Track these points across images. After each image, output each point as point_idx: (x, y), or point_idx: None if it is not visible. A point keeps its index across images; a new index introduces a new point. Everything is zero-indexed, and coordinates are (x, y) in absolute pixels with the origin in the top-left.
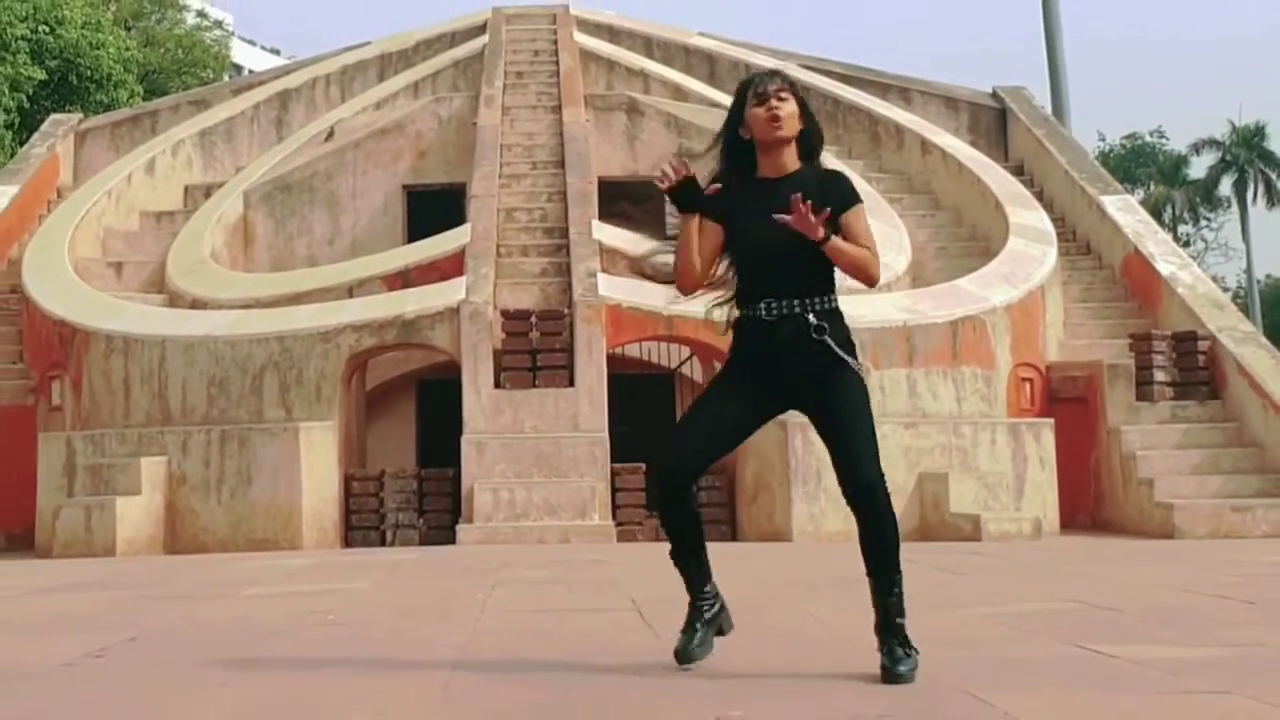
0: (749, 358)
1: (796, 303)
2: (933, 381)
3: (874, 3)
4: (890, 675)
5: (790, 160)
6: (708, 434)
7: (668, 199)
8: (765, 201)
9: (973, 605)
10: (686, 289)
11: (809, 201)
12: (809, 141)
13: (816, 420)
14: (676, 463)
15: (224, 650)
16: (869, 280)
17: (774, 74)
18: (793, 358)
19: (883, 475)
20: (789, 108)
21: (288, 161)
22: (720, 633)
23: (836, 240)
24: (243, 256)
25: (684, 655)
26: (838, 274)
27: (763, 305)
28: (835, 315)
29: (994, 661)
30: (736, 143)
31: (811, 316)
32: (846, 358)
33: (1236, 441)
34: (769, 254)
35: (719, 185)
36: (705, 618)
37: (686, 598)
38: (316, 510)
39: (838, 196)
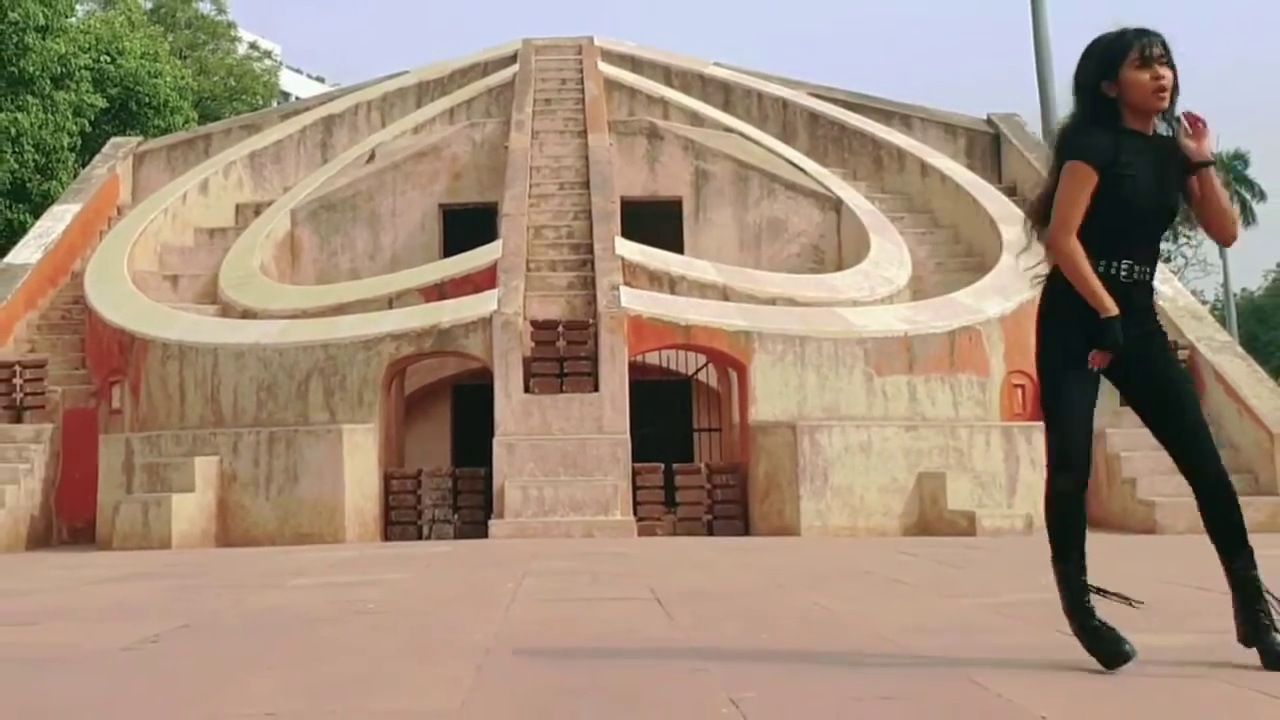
0: (1094, 321)
1: (1149, 270)
2: (932, 387)
3: (877, 36)
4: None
5: (1149, 125)
6: (1087, 422)
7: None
8: (1149, 159)
9: (969, 595)
10: (1066, 245)
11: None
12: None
13: (1137, 389)
14: (1080, 463)
15: (271, 636)
16: (1230, 236)
17: (1154, 34)
18: (1138, 324)
19: (1218, 453)
20: (1170, 74)
21: (332, 182)
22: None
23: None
24: (290, 270)
25: (1125, 656)
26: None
27: (1124, 266)
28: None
29: (989, 647)
30: (1100, 101)
31: (1156, 282)
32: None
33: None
34: (1149, 215)
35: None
36: (1098, 621)
37: (722, 588)
38: (358, 506)
39: (1184, 161)
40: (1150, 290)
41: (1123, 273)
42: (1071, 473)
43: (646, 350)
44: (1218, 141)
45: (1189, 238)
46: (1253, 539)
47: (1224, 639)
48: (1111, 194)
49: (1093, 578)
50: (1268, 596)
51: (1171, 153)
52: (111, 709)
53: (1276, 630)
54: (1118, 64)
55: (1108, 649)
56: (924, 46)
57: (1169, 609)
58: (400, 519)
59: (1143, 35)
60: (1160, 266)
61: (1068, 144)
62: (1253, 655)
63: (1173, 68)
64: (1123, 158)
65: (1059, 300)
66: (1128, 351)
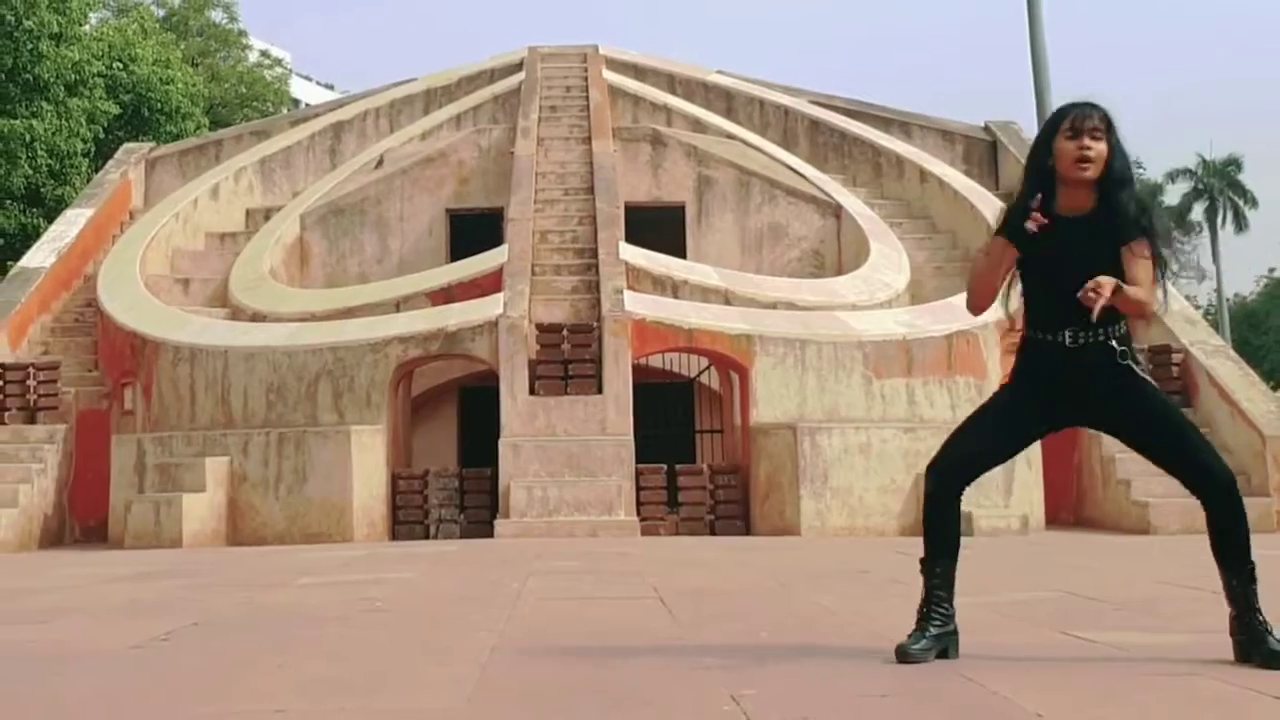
0: (1043, 379)
1: (1100, 331)
2: (930, 390)
3: (879, 44)
4: (1278, 659)
5: (1087, 198)
6: (984, 442)
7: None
8: (1079, 234)
9: (966, 594)
10: (981, 309)
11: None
12: (1109, 182)
13: (1125, 436)
14: (947, 464)
15: (280, 634)
16: (1148, 316)
17: (1094, 107)
18: (1097, 383)
19: (1231, 472)
20: (1100, 149)
21: (341, 187)
22: (944, 654)
23: (1129, 291)
24: (299, 274)
25: (906, 654)
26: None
27: (1066, 333)
28: (1128, 337)
29: (986, 645)
30: (1044, 169)
31: (1114, 343)
32: (1144, 375)
33: None
34: (1070, 289)
35: (1046, 221)
36: (934, 632)
37: (723, 587)
38: (366, 506)
39: (1121, 230)
40: (1110, 351)
41: (1066, 340)
42: (936, 474)
43: (649, 353)
44: (1212, 148)
45: (1182, 243)
46: None
47: (1218, 638)
48: (1035, 272)
49: (1093, 577)
50: (1260, 608)
51: (1105, 222)
52: (123, 705)
53: (1271, 633)
54: (1053, 135)
55: (905, 644)
56: (924, 57)
57: (1163, 609)
58: (407, 519)
59: (1079, 108)
60: None
61: (1001, 217)
62: None
63: (1110, 140)
64: (1046, 237)
65: (1017, 361)
66: (1102, 408)
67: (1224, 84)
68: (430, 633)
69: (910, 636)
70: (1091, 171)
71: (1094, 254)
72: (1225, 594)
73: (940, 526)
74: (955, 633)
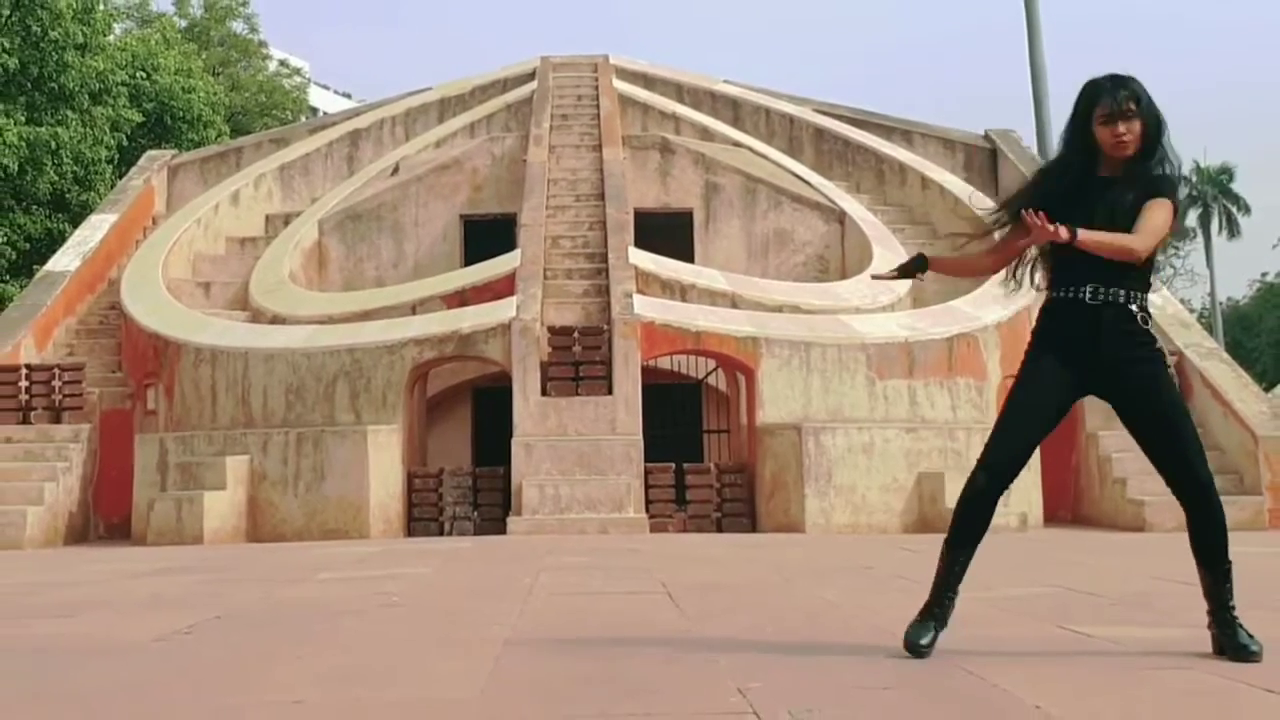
0: (1063, 338)
1: (1121, 292)
2: (931, 391)
3: (881, 55)
4: (1247, 655)
5: (1119, 164)
6: (1029, 427)
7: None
8: (1094, 197)
9: (966, 590)
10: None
11: (1047, 216)
12: (1144, 154)
13: (1128, 412)
14: (998, 465)
15: (299, 627)
16: (1131, 257)
17: (1126, 85)
18: (1113, 346)
19: (1211, 474)
20: (1136, 126)
21: (358, 194)
22: (938, 628)
23: (1084, 236)
24: (317, 278)
25: (917, 649)
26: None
27: (1087, 289)
28: (1147, 308)
29: (986, 640)
30: (1080, 145)
31: (1134, 307)
32: (1164, 353)
33: None
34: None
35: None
36: (936, 621)
37: (730, 582)
38: (382, 503)
39: (1147, 191)
40: (1129, 315)
41: (1086, 295)
42: (989, 472)
43: (658, 355)
44: (1206, 155)
45: (1177, 248)
46: (1237, 536)
47: (1209, 633)
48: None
49: (1090, 573)
50: (1234, 604)
51: (1128, 185)
52: (147, 696)
53: (1244, 629)
54: (1089, 117)
55: (913, 636)
56: (925, 67)
57: (1158, 604)
58: (422, 516)
59: (1110, 92)
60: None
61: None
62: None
63: (1144, 115)
64: (1059, 197)
65: (1037, 324)
66: (1111, 374)
67: (1219, 92)
68: (445, 626)
69: (919, 627)
70: (1130, 150)
71: (1118, 211)
72: (1203, 591)
73: (979, 518)
74: (950, 613)
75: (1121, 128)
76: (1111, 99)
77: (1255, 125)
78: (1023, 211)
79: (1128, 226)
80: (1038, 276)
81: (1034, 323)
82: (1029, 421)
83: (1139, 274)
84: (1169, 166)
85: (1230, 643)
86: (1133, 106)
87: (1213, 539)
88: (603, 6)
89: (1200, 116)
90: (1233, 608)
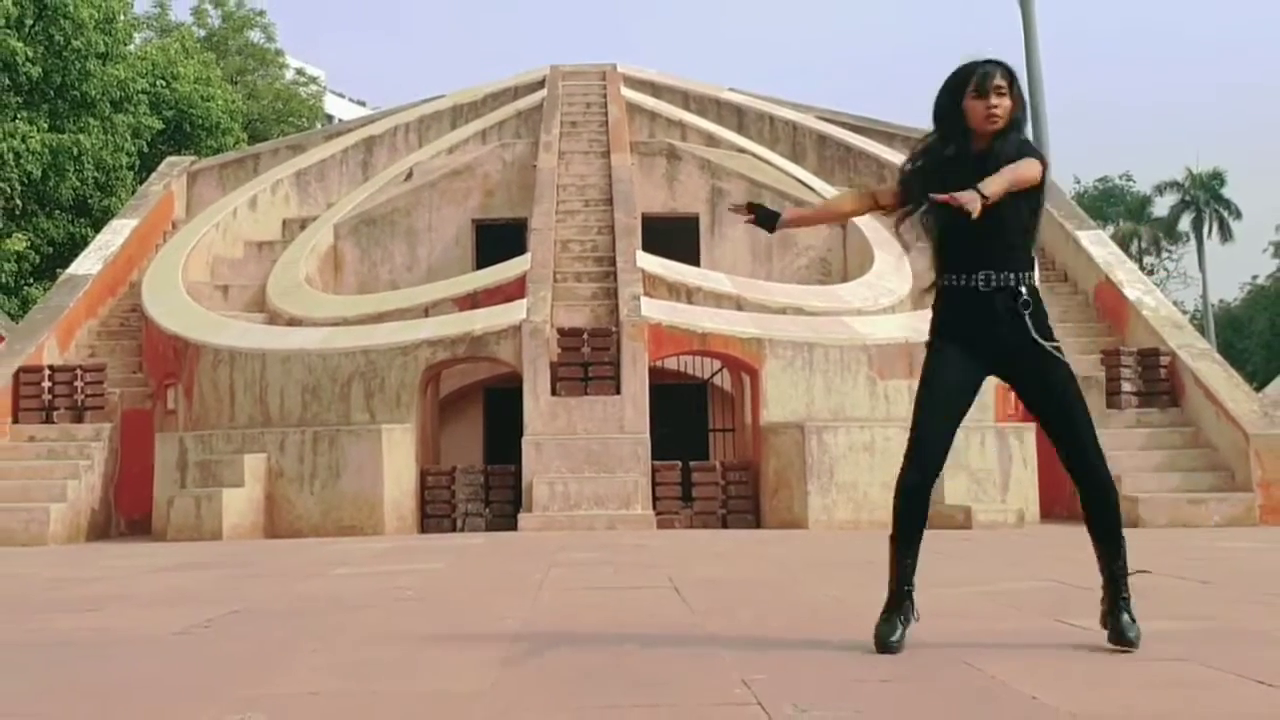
0: (961, 327)
1: (1011, 276)
2: None
3: (883, 64)
4: (1123, 639)
5: (986, 142)
6: (947, 415)
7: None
8: (968, 170)
9: (965, 584)
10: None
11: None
12: (1013, 126)
13: (1027, 395)
14: (923, 462)
15: (315, 621)
16: (1028, 182)
17: (996, 65)
18: (1008, 332)
19: (1103, 456)
20: (1006, 103)
21: (372, 199)
22: (904, 623)
23: (989, 190)
24: (333, 281)
25: (888, 645)
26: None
27: (980, 276)
28: (1036, 291)
29: (983, 632)
30: (954, 122)
31: (1023, 290)
32: (1053, 339)
33: (1193, 444)
34: (980, 227)
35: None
36: (903, 617)
37: (736, 578)
38: (396, 501)
39: (1017, 156)
40: (1023, 300)
41: (979, 283)
42: (916, 471)
43: (665, 356)
44: (1199, 162)
45: (1170, 252)
46: (1230, 531)
47: (1202, 625)
48: (946, 219)
49: (1085, 567)
50: (1128, 588)
51: (998, 158)
52: (167, 688)
53: (1129, 613)
54: (961, 93)
55: (882, 634)
56: (925, 74)
57: (1151, 597)
58: (436, 512)
59: (983, 67)
60: (1144, 279)
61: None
62: (1228, 639)
63: (1013, 93)
64: (939, 179)
65: (934, 313)
66: (1014, 360)
67: (1214, 99)
68: (458, 620)
69: (887, 626)
70: (1000, 124)
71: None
72: (1100, 571)
73: (917, 518)
74: (913, 606)
75: (994, 100)
76: (985, 76)
77: (1253, 131)
78: (930, 195)
79: (1006, 207)
80: (919, 242)
81: (931, 311)
82: (944, 413)
83: (1024, 254)
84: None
85: (1113, 624)
86: (1004, 84)
87: (1108, 520)
88: (611, 17)
89: (1201, 122)
90: (1126, 590)
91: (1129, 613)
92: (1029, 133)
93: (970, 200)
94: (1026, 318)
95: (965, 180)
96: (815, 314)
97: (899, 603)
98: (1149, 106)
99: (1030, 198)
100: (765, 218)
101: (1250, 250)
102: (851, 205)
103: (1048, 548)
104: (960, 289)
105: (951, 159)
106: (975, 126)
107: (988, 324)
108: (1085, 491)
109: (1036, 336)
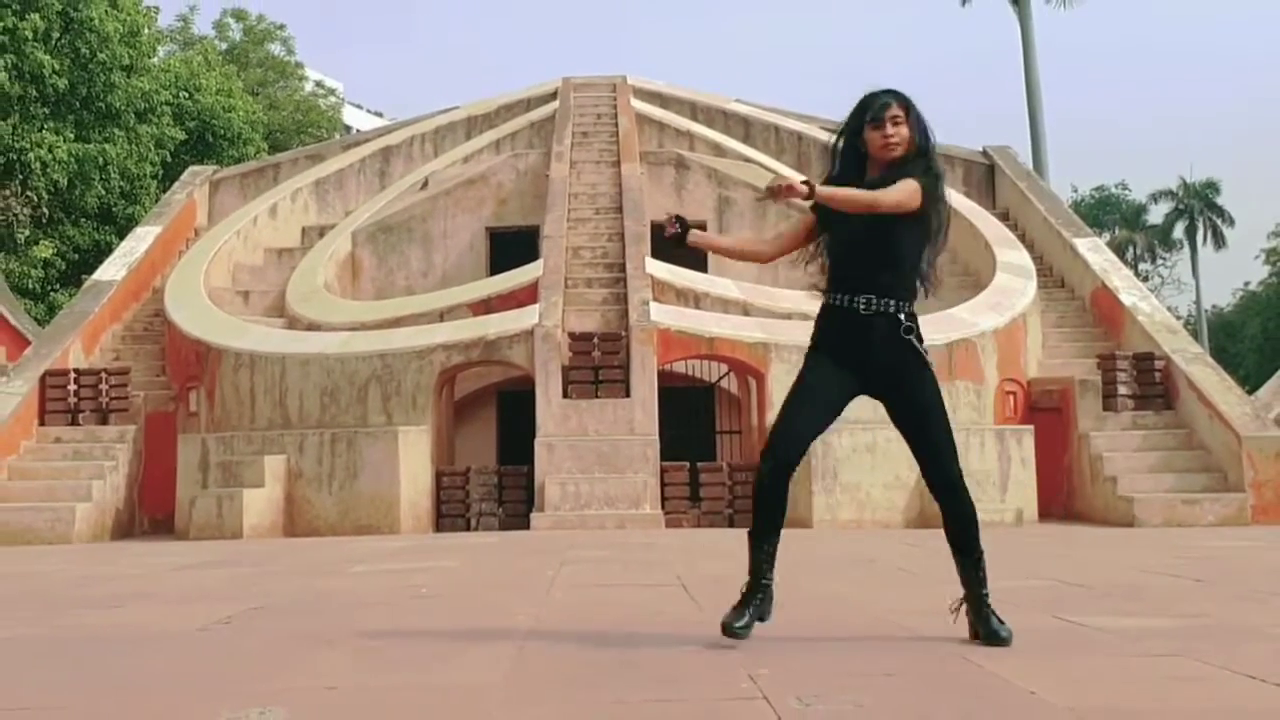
0: (838, 344)
1: (891, 303)
2: None
3: (886, 75)
4: (997, 639)
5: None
6: (809, 418)
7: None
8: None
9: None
10: (762, 261)
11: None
12: (916, 150)
13: (896, 412)
14: (782, 446)
15: (334, 617)
16: (871, 208)
17: (893, 96)
18: (882, 354)
19: (960, 470)
20: (903, 131)
21: (389, 207)
22: (760, 619)
23: (820, 191)
24: (351, 286)
25: (731, 630)
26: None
27: (861, 301)
28: (915, 316)
29: None
30: (853, 151)
31: (902, 316)
32: (927, 361)
33: (1187, 445)
34: (862, 254)
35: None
36: (758, 601)
37: (742, 576)
38: (412, 500)
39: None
40: (898, 324)
41: (860, 306)
42: (771, 461)
43: (673, 360)
44: (1193, 171)
45: (1164, 259)
46: (1224, 530)
47: (1198, 622)
48: (836, 242)
49: (1082, 566)
50: (987, 592)
51: (889, 183)
52: (189, 682)
53: (995, 616)
54: (860, 123)
55: (729, 620)
56: (927, 86)
57: (1147, 595)
58: (450, 512)
59: (880, 99)
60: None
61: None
62: (1221, 635)
63: (912, 124)
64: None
65: (816, 327)
66: (883, 377)
67: (1208, 111)
68: (472, 616)
69: (734, 612)
70: (898, 151)
71: (891, 220)
72: (959, 578)
73: (775, 506)
74: (771, 596)
75: (890, 130)
76: (882, 106)
77: (1245, 141)
78: (768, 185)
79: (888, 234)
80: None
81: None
82: (807, 418)
83: (907, 285)
84: (934, 179)
85: (984, 628)
86: (900, 113)
87: (964, 530)
88: (621, 29)
89: (1193, 134)
90: (986, 594)
91: (995, 615)
92: (1025, 145)
93: (797, 185)
94: (913, 339)
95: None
96: None
97: (754, 595)
98: (1144, 117)
99: (912, 229)
100: (683, 230)
101: (1243, 257)
102: (770, 248)
103: (1045, 546)
104: (843, 309)
105: (853, 186)
106: (874, 154)
107: (865, 344)
108: (945, 505)
109: (922, 353)
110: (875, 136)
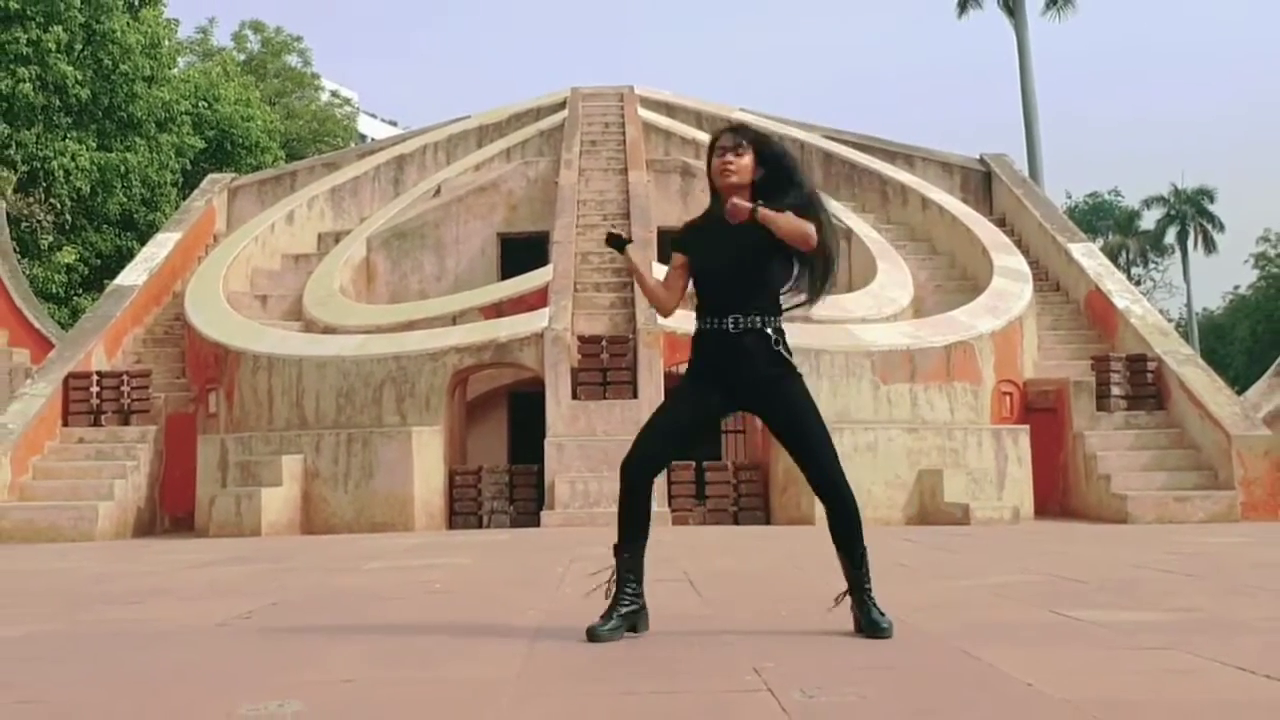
0: (711, 365)
1: (758, 319)
2: (930, 394)
3: (885, 84)
4: (877, 630)
5: (746, 200)
6: (668, 437)
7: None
8: (716, 233)
9: (963, 577)
10: (665, 314)
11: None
12: (763, 187)
13: (773, 423)
14: (639, 460)
15: (350, 613)
16: (808, 241)
17: (736, 130)
18: (754, 369)
19: (842, 472)
20: (742, 161)
21: (403, 213)
22: (633, 629)
23: (762, 212)
24: (366, 291)
25: (595, 634)
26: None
27: (729, 320)
28: (782, 331)
29: (980, 623)
30: (711, 181)
31: (770, 331)
32: (796, 373)
33: (1178, 444)
34: (728, 277)
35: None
36: (623, 611)
37: (746, 573)
38: (425, 499)
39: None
40: (765, 338)
41: (729, 325)
42: (632, 470)
43: (680, 362)
44: (1184, 178)
45: (1156, 263)
46: (1214, 526)
47: (1190, 616)
48: (702, 270)
49: (1077, 561)
50: (869, 586)
51: (754, 225)
52: (208, 675)
53: (876, 608)
54: (710, 156)
55: (595, 626)
56: (926, 95)
57: (1140, 589)
58: (463, 510)
59: (723, 134)
60: (1132, 289)
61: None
62: (1212, 629)
63: (757, 154)
64: (699, 238)
65: (691, 351)
66: (756, 390)
67: (1199, 119)
68: (484, 611)
69: (601, 619)
70: (735, 179)
71: (748, 245)
72: (844, 577)
73: (637, 515)
74: (644, 609)
75: (729, 158)
76: (720, 136)
77: (1236, 148)
78: (729, 207)
79: (749, 258)
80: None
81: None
82: (669, 435)
83: (771, 302)
84: (805, 203)
85: (866, 620)
86: (740, 142)
87: (846, 529)
88: (628, 40)
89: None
90: (869, 589)
91: (876, 608)
92: (1021, 151)
93: (745, 210)
94: (781, 350)
95: (719, 232)
96: (821, 322)
97: (622, 602)
98: (1137, 123)
99: (784, 262)
100: (617, 244)
101: (1232, 261)
102: (672, 301)
103: (1041, 543)
104: (713, 331)
105: (714, 214)
106: (717, 183)
107: (735, 361)
108: (828, 506)
109: (791, 365)
110: (716, 165)
